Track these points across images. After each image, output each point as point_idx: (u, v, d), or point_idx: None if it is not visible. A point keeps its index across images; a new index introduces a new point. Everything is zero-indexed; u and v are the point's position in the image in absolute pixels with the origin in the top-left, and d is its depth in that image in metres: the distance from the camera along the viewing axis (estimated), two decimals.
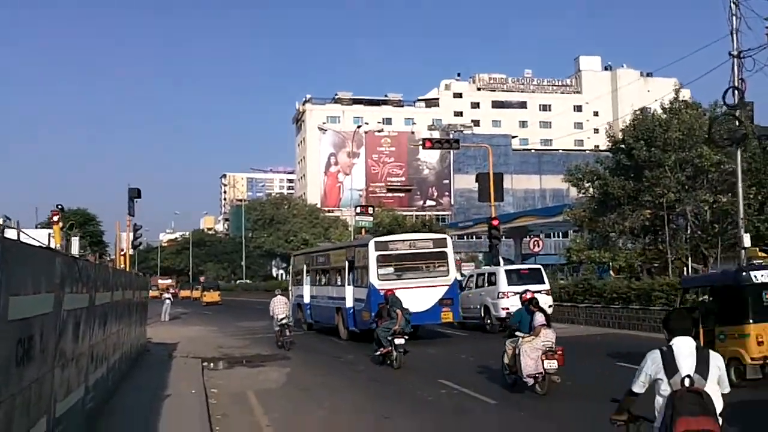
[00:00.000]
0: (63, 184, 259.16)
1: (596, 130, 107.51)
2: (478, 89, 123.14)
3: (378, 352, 18.54)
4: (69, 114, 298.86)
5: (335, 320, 27.02)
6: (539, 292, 24.84)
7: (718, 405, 5.26)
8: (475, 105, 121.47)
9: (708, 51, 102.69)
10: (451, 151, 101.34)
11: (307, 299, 30.77)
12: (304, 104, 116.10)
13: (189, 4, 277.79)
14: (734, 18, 20.82)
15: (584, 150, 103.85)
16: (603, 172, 31.87)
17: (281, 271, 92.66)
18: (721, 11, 21.12)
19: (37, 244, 6.57)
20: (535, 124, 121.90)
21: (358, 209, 54.12)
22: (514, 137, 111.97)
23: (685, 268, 29.55)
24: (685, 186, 28.40)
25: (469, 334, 26.45)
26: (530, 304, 14.10)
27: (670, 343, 5.49)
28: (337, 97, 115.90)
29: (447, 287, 24.19)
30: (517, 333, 13.81)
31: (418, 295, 22.86)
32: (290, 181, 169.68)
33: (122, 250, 36.57)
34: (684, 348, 5.41)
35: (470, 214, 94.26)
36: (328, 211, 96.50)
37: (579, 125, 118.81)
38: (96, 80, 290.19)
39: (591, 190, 32.56)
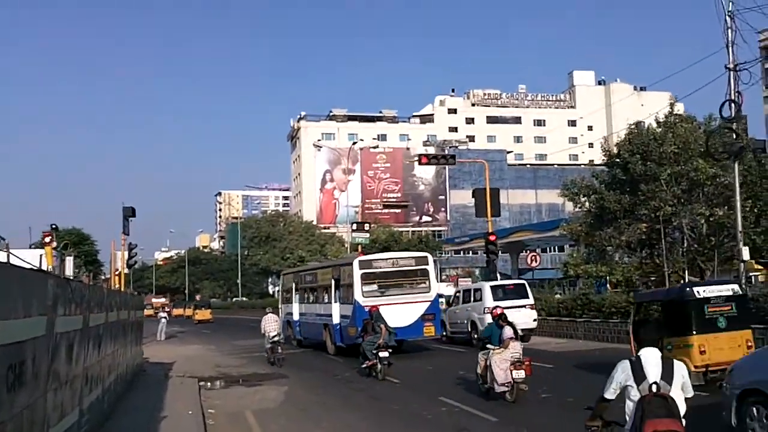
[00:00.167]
0: (57, 204, 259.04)
1: (591, 145, 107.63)
2: (473, 105, 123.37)
3: (364, 365, 19.64)
4: (64, 133, 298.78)
5: (323, 336, 27.84)
6: (523, 306, 26.71)
7: (682, 408, 5.88)
8: (470, 120, 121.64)
9: (701, 65, 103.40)
10: (447, 167, 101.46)
11: (296, 316, 31.64)
12: (298, 121, 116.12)
13: (184, 20, 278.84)
14: (729, 31, 20.85)
15: (579, 164, 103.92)
16: (599, 186, 31.79)
17: (277, 288, 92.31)
18: (713, 26, 21.25)
19: (28, 266, 6.45)
20: (530, 139, 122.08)
21: (354, 226, 53.96)
22: (509, 152, 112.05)
23: (682, 282, 29.45)
24: (680, 199, 28.32)
25: (462, 349, 26.39)
26: (500, 319, 15.20)
27: (639, 354, 6.14)
28: (331, 114, 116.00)
29: (429, 303, 25.22)
30: (488, 345, 14.89)
31: (402, 311, 23.93)
32: (286, 198, 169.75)
33: (117, 269, 36.41)
34: (651, 358, 6.06)
35: (466, 229, 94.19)
36: (324, 228, 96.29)
37: (573, 140, 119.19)
38: (91, 95, 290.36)
39: (587, 204, 32.47)
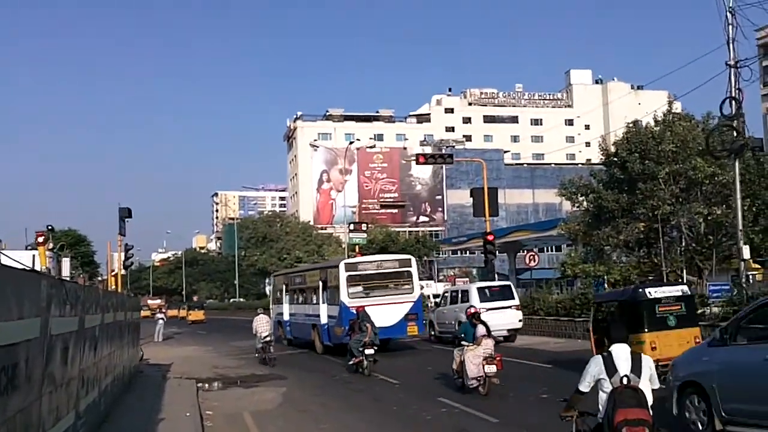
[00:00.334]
0: (54, 205, 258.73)
1: (588, 144, 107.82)
2: (470, 104, 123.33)
3: (351, 362, 20.78)
4: (60, 133, 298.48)
5: (312, 336, 28.74)
6: (509, 307, 27.59)
7: (650, 399, 6.56)
8: (467, 120, 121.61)
9: (697, 64, 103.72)
10: (444, 167, 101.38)
11: (286, 317, 32.60)
12: (295, 121, 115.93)
13: (181, 20, 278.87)
14: (730, 27, 20.75)
15: (576, 164, 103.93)
16: (597, 185, 31.75)
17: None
18: (710, 25, 21.23)
19: (21, 266, 6.34)
20: (527, 138, 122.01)
21: (352, 226, 53.90)
22: (506, 152, 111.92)
23: (680, 281, 29.41)
24: (679, 198, 28.29)
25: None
26: (474, 318, 16.45)
27: (610, 349, 6.75)
28: (328, 113, 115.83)
29: (412, 303, 26.26)
30: (463, 343, 15.92)
31: (386, 311, 24.78)
32: (282, 198, 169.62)
33: (113, 270, 36.36)
34: (621, 353, 6.69)
35: (463, 229, 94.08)
36: (321, 229, 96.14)
37: (571, 139, 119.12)
38: (88, 99, 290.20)
39: (585, 203, 32.42)
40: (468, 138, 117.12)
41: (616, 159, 30.71)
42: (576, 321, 27.35)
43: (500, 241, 51.03)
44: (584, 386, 6.78)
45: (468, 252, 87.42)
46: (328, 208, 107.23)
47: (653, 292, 15.88)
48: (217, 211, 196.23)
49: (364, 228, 53.62)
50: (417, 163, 39.45)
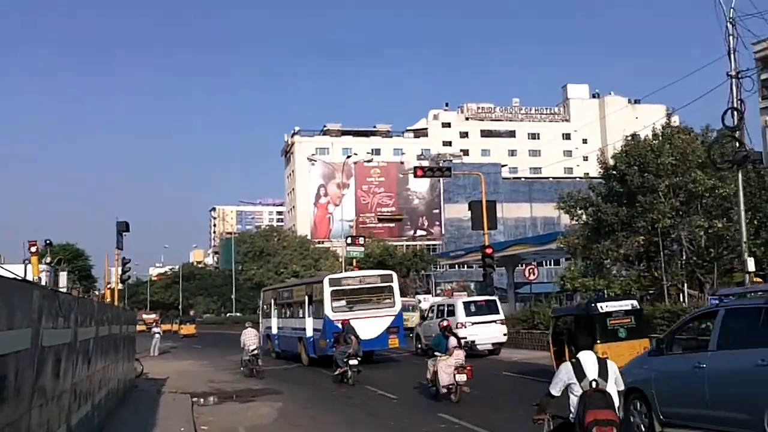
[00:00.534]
0: (53, 219, 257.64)
1: (585, 158, 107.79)
2: (467, 119, 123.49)
3: (337, 372, 21.68)
4: (56, 147, 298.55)
5: (298, 348, 29.70)
6: (494, 321, 28.58)
7: (617, 401, 7.23)
8: (464, 134, 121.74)
9: (694, 78, 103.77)
10: (441, 181, 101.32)
11: (275, 330, 33.78)
12: (292, 136, 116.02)
13: (178, 43, 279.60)
14: (731, 38, 20.66)
15: (574, 177, 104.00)
16: (595, 198, 31.62)
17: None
18: (707, 39, 21.14)
19: (11, 276, 6.15)
20: (524, 152, 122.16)
21: (349, 240, 53.78)
22: (503, 166, 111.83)
23: (680, 295, 29.22)
24: (679, 211, 28.15)
25: None
26: (446, 331, 17.76)
27: (578, 356, 7.45)
28: (325, 128, 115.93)
29: (393, 317, 27.37)
30: (436, 353, 17.13)
31: (368, 325, 25.79)
32: (280, 213, 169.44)
33: (108, 283, 36.21)
34: (589, 359, 7.38)
35: (461, 243, 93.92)
36: (318, 243, 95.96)
37: (568, 153, 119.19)
38: (86, 113, 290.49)
39: (584, 217, 32.28)
40: (465, 152, 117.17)
41: (615, 172, 30.60)
42: None
43: (499, 255, 50.80)
44: (555, 390, 7.37)
45: (466, 266, 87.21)
46: (326, 222, 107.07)
47: (605, 307, 17.24)
48: (214, 225, 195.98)
49: (361, 242, 53.54)
50: (415, 176, 39.33)
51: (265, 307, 37.25)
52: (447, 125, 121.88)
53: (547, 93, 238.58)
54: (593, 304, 17.54)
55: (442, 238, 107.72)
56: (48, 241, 39.27)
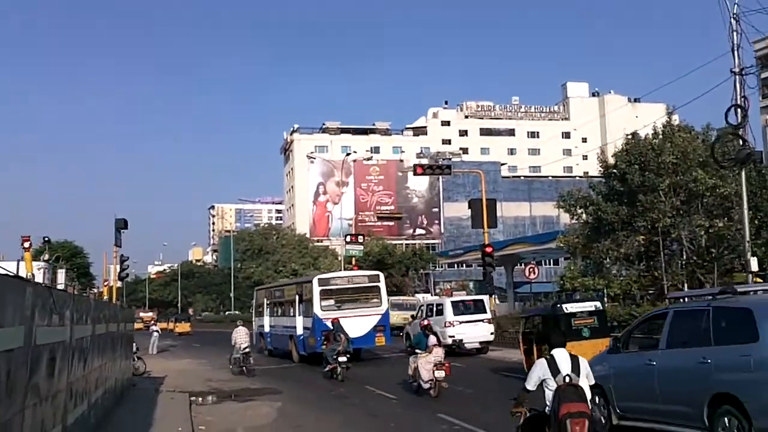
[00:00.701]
0: (50, 217, 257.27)
1: (585, 157, 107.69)
2: (466, 117, 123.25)
3: (326, 368, 22.45)
4: (57, 145, 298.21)
5: (289, 346, 30.44)
6: (481, 321, 29.31)
7: (589, 394, 7.87)
8: (463, 133, 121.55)
9: (694, 76, 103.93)
10: (440, 180, 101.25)
11: (267, 328, 34.60)
12: (291, 134, 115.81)
13: (177, 43, 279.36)
14: (735, 34, 20.51)
15: (574, 176, 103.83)
16: (596, 197, 31.46)
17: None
18: (707, 38, 21.01)
19: (3, 272, 6.01)
20: (524, 151, 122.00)
21: (348, 238, 53.66)
22: (503, 164, 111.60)
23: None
24: (679, 210, 27.99)
25: None
26: (426, 329, 18.82)
27: (552, 353, 8.05)
28: (324, 126, 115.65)
29: (380, 316, 28.07)
30: (417, 351, 18.06)
31: (356, 323, 26.41)
32: (279, 211, 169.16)
33: (106, 281, 36.05)
34: (562, 356, 7.99)
35: (460, 242, 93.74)
36: (317, 241, 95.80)
37: (568, 151, 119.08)
38: (84, 113, 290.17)
39: (584, 216, 32.11)
40: (464, 151, 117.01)
41: (615, 171, 30.43)
42: None
43: (498, 254, 50.66)
44: (531, 385, 8.00)
45: (465, 265, 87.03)
46: (325, 221, 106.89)
47: (569, 308, 18.48)
48: (213, 223, 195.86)
49: (360, 240, 53.43)
50: (415, 174, 39.25)
51: (258, 306, 37.83)
52: (446, 123, 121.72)
53: (546, 91, 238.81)
54: (558, 305, 18.79)
55: (441, 237, 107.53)
56: (46, 239, 39.07)
